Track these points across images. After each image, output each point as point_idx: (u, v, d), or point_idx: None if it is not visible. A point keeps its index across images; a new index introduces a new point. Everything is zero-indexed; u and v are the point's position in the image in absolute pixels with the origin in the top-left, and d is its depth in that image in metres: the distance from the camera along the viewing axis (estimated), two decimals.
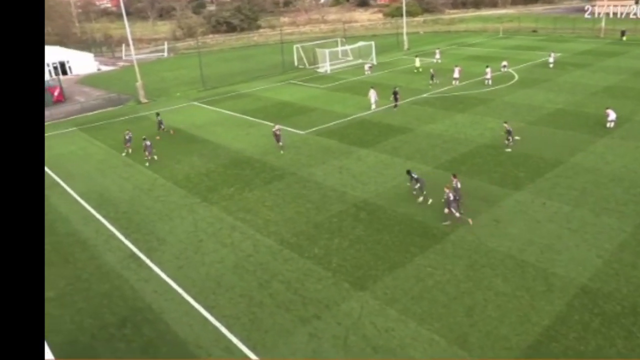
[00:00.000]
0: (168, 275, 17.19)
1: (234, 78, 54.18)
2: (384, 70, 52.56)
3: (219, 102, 43.12)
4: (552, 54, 48.90)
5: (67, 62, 65.76)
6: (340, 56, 59.06)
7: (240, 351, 13.52)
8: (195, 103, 43.74)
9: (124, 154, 29.88)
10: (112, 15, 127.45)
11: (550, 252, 17.03)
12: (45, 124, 39.46)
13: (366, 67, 51.98)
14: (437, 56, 54.98)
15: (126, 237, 20.10)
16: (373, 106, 36.26)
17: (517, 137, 27.36)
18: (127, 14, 48.55)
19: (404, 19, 70.61)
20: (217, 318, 14.84)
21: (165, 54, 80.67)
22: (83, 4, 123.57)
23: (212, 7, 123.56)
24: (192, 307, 15.45)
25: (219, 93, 47.20)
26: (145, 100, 45.58)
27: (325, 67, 54.18)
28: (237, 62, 67.18)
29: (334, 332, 13.99)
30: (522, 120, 31.74)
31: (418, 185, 21.25)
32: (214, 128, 35.08)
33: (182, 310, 15.31)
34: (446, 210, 19.01)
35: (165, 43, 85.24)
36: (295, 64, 58.96)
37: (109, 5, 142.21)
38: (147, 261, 18.22)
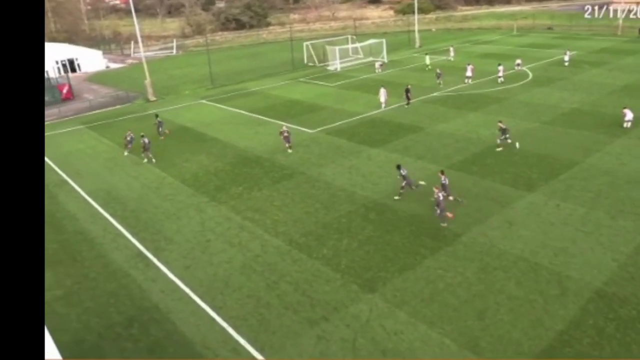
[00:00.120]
0: (175, 275, 17.08)
1: (243, 76, 54.07)
2: (395, 68, 52.13)
3: (227, 100, 42.99)
4: (568, 52, 48.13)
5: (76, 59, 65.96)
6: (350, 54, 58.54)
7: (248, 352, 13.36)
8: (204, 101, 43.67)
9: (126, 153, 29.81)
10: (121, 12, 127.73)
11: (564, 255, 16.66)
12: (54, 121, 39.67)
13: (377, 65, 51.60)
14: (452, 54, 54.41)
15: (134, 236, 20.03)
16: (383, 105, 35.93)
17: (517, 145, 26.31)
18: (136, 11, 48.66)
19: (416, 16, 70.07)
20: (224, 319, 14.69)
21: (174, 51, 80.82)
22: (92, 1, 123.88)
23: (221, 4, 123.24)
24: (200, 307, 15.33)
25: (227, 91, 47.09)
26: (154, 98, 45.61)
27: (335, 65, 53.89)
28: (246, 59, 67.06)
29: (342, 334, 13.77)
30: (537, 119, 31.20)
31: (405, 182, 20.99)
32: (223, 126, 34.96)
33: (189, 311, 15.19)
34: (438, 212, 18.69)
35: (174, 40, 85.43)
36: (305, 61, 58.73)
37: (117, 2, 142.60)
38: (155, 260, 18.13)
